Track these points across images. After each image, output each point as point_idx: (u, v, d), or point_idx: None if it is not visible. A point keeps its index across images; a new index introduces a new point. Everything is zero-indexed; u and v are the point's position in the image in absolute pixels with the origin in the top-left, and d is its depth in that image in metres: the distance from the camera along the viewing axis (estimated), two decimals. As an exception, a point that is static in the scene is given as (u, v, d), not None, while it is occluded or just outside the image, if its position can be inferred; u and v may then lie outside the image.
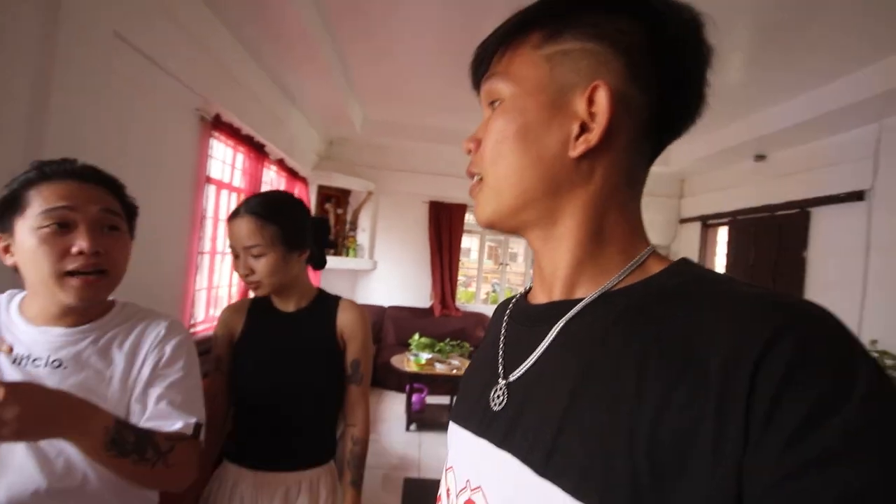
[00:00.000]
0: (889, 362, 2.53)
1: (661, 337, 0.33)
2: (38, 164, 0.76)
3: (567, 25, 0.40)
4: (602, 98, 0.38)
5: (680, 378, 0.30)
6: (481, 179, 0.45)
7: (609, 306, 0.39)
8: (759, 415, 0.27)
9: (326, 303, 1.18)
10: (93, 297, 0.75)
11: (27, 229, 0.71)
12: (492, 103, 0.44)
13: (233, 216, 1.09)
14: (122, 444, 0.67)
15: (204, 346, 2.54)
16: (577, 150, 0.39)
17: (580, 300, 0.41)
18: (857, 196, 3.04)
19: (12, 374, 0.71)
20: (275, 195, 1.16)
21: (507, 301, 0.55)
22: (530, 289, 0.51)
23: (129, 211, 0.85)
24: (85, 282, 0.73)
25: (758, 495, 0.26)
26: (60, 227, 0.72)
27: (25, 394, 0.57)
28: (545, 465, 0.35)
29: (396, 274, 5.05)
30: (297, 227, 1.12)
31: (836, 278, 3.20)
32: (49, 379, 0.72)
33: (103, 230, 0.76)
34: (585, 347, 0.38)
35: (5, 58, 1.27)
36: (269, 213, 1.07)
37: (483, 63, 0.46)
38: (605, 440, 0.32)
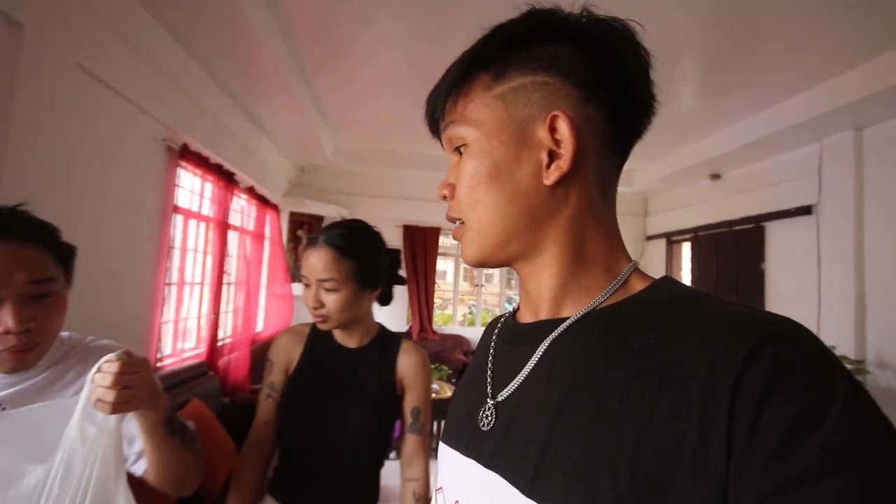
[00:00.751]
0: (848, 367, 2.65)
1: (643, 357, 0.34)
2: None
3: (510, 63, 0.41)
4: (563, 126, 0.39)
5: (662, 398, 0.31)
6: (463, 222, 0.45)
7: (593, 326, 0.39)
8: (740, 433, 0.27)
9: (389, 343, 1.13)
10: (26, 366, 0.72)
11: None
12: (457, 148, 0.45)
13: (311, 244, 1.05)
14: (173, 423, 0.76)
15: (173, 380, 2.45)
16: (550, 178, 0.40)
17: (566, 319, 0.41)
18: (806, 210, 3.24)
19: None
20: (356, 227, 1.09)
21: (497, 320, 0.55)
22: (518, 307, 0.51)
23: (65, 256, 0.77)
24: (15, 356, 0.69)
25: None
26: None
27: (146, 363, 0.69)
28: (531, 485, 0.35)
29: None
30: (373, 265, 1.08)
31: (793, 288, 3.37)
32: None
33: (32, 301, 0.69)
34: (570, 367, 0.38)
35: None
36: (348, 246, 1.02)
37: (437, 112, 0.46)
38: (589, 460, 0.32)
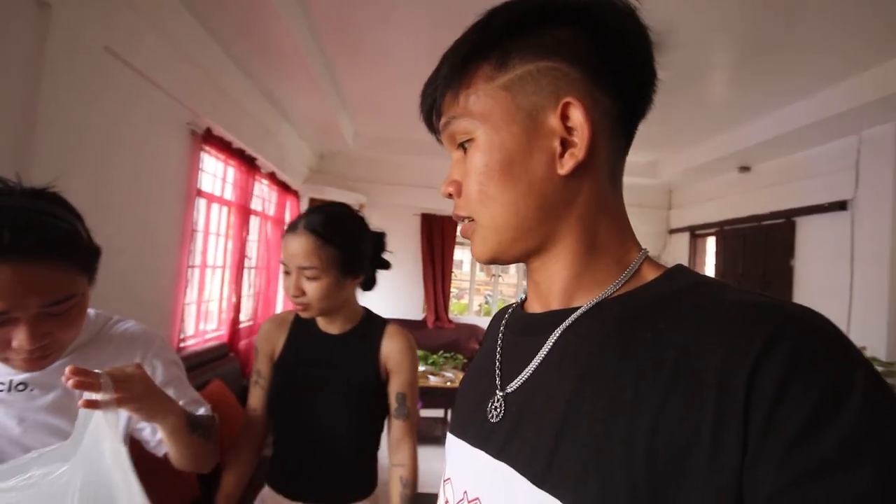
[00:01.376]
0: (879, 369, 2.56)
1: (656, 347, 0.33)
2: None
3: (511, 51, 0.39)
4: (577, 113, 0.38)
5: (676, 388, 0.30)
6: (472, 220, 0.44)
7: (605, 315, 0.38)
8: (756, 425, 0.27)
9: (373, 327, 1.11)
10: (41, 369, 0.71)
11: None
12: (461, 144, 0.43)
13: (290, 230, 1.01)
14: (191, 421, 0.79)
15: (195, 361, 2.51)
16: (565, 167, 0.39)
17: (577, 308, 0.40)
18: (840, 206, 3.11)
19: None
20: (337, 212, 1.05)
21: (504, 310, 0.54)
22: (526, 298, 0.50)
23: (90, 263, 0.72)
24: (29, 364, 0.68)
25: None
26: None
27: (146, 376, 0.71)
28: (543, 476, 0.35)
29: (389, 286, 5.00)
30: (355, 251, 1.04)
31: (823, 286, 3.25)
32: (14, 403, 0.70)
33: (49, 317, 0.66)
34: (582, 358, 0.37)
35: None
36: (329, 233, 0.99)
37: (435, 107, 0.44)
38: (602, 451, 0.32)
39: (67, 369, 0.59)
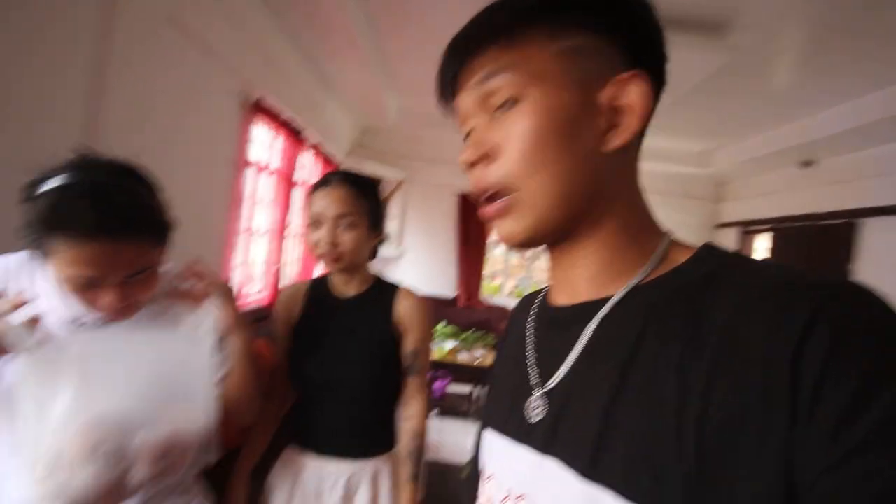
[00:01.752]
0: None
1: (696, 330, 0.32)
2: (53, 203, 0.64)
3: (567, 20, 0.39)
4: (636, 88, 0.38)
5: (720, 372, 0.30)
6: (502, 195, 0.40)
7: (639, 302, 0.38)
8: (803, 403, 0.27)
9: (385, 290, 1.15)
10: (126, 319, 0.77)
11: (54, 268, 0.67)
12: (500, 106, 0.40)
13: (321, 185, 1.06)
14: (251, 353, 0.90)
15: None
16: (616, 140, 0.38)
17: (609, 298, 0.39)
18: (913, 209, 2.87)
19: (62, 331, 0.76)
20: (362, 174, 1.12)
21: (528, 300, 0.53)
22: (548, 289, 0.49)
23: (167, 235, 0.78)
24: (115, 317, 0.75)
25: (808, 484, 0.26)
26: (84, 285, 0.69)
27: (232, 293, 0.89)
28: (591, 468, 0.34)
29: (423, 263, 5.09)
30: (380, 210, 1.10)
31: (890, 293, 3.03)
32: (97, 334, 0.76)
33: (129, 284, 0.72)
34: (620, 348, 0.37)
35: (64, 42, 1.35)
36: (362, 186, 1.05)
37: (470, 60, 0.41)
38: (650, 440, 0.32)
39: (188, 267, 0.82)
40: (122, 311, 0.74)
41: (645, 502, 0.31)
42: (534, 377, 0.44)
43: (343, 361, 1.08)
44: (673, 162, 4.28)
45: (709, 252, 0.38)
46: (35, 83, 1.26)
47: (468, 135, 0.44)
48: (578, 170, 0.38)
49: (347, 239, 1.03)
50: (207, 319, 0.82)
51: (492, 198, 0.41)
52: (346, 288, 1.14)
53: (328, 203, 1.03)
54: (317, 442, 1.11)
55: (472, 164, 0.42)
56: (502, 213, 0.41)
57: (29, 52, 1.23)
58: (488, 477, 0.47)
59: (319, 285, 1.17)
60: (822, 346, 0.27)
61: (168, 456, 0.73)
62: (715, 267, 0.36)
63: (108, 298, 0.70)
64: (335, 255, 1.04)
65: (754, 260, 0.35)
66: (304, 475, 1.09)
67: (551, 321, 0.46)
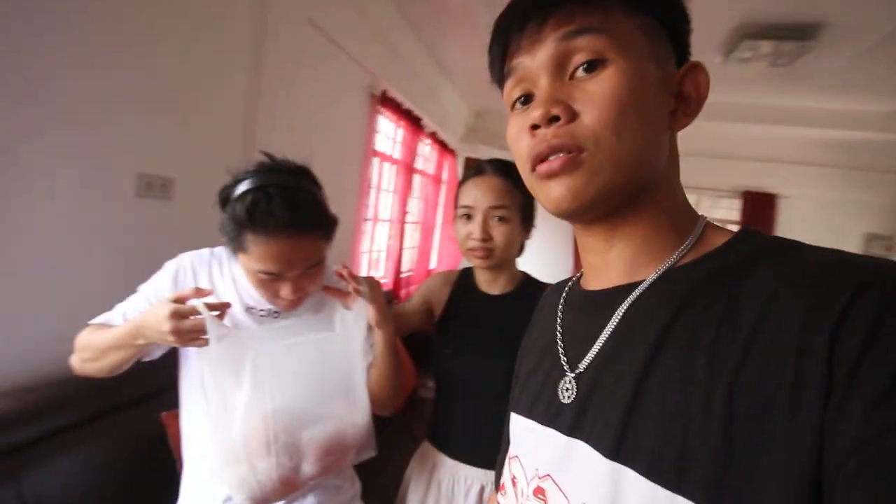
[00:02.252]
0: None
1: (731, 312, 0.32)
2: (250, 204, 0.72)
3: (642, 2, 0.39)
4: (706, 77, 0.40)
5: (754, 351, 0.30)
6: (574, 153, 0.38)
7: (674, 284, 0.38)
8: (839, 383, 0.26)
9: (533, 290, 1.05)
10: (297, 308, 0.85)
11: (245, 262, 0.78)
12: (581, 66, 0.38)
13: (475, 174, 1.00)
14: (395, 347, 0.91)
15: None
16: (683, 121, 0.41)
17: (641, 282, 0.39)
18: None
19: (244, 321, 0.84)
20: (514, 164, 1.07)
21: (559, 288, 0.54)
22: (581, 274, 0.50)
23: (335, 228, 0.87)
24: (290, 306, 0.83)
25: (837, 463, 0.26)
26: (271, 276, 0.78)
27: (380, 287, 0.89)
28: (617, 448, 0.35)
29: (538, 248, 4.92)
30: (532, 203, 1.01)
31: None
32: (269, 328, 0.83)
33: (305, 276, 0.81)
34: (652, 330, 0.36)
35: (229, 52, 1.49)
36: (517, 178, 0.98)
37: (549, 13, 0.39)
38: (678, 420, 0.32)
39: (341, 270, 0.85)
40: (297, 301, 0.82)
41: (666, 482, 0.31)
42: (564, 361, 0.44)
43: (484, 363, 1.02)
44: (852, 127, 3.49)
45: (748, 236, 0.37)
46: (210, 87, 1.41)
47: (522, 97, 0.43)
48: (651, 142, 0.39)
49: (499, 233, 0.96)
50: (361, 314, 0.84)
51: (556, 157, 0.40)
52: (491, 286, 1.07)
53: (481, 193, 0.96)
54: (450, 444, 1.06)
55: (549, 122, 0.39)
56: (568, 168, 0.38)
57: (201, 62, 1.37)
58: (514, 457, 0.48)
59: (466, 278, 1.10)
60: (862, 327, 0.26)
61: (333, 452, 0.75)
62: (756, 250, 0.35)
63: (287, 289, 0.79)
64: (485, 251, 0.98)
65: (798, 242, 0.34)
66: (438, 474, 1.07)
67: (581, 305, 0.47)
